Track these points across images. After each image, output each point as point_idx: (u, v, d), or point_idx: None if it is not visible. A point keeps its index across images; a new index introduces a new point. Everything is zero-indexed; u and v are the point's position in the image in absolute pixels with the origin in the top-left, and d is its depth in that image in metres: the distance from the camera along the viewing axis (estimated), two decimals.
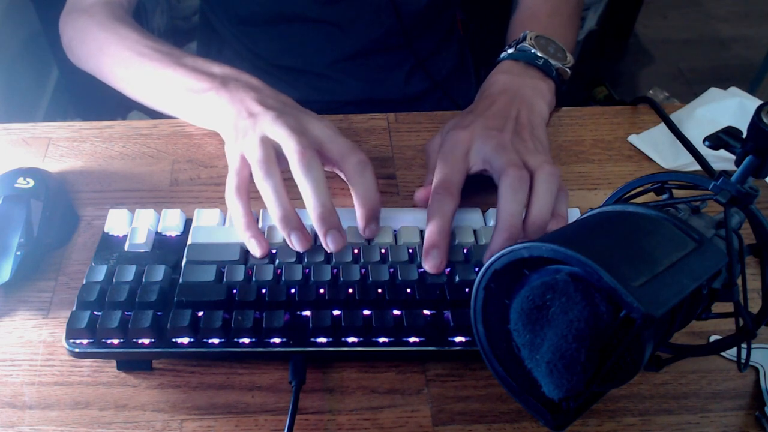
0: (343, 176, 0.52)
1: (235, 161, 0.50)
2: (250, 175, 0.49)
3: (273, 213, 0.48)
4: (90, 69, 0.67)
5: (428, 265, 0.48)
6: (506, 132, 0.54)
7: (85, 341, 0.44)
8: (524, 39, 0.64)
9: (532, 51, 0.62)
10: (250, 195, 0.49)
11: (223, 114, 0.54)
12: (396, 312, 0.46)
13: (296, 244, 0.48)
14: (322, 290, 0.46)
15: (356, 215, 0.50)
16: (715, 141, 0.43)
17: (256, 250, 0.48)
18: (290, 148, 0.48)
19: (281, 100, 0.54)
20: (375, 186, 0.50)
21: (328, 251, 0.48)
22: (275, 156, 0.49)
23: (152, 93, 0.61)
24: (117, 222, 0.51)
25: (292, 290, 0.46)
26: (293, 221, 0.48)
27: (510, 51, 0.64)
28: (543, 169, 0.51)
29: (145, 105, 0.63)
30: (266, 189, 0.48)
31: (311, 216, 0.48)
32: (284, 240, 0.50)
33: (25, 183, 0.53)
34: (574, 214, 0.54)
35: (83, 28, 0.67)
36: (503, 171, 0.50)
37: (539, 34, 0.64)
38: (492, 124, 0.55)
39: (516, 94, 0.59)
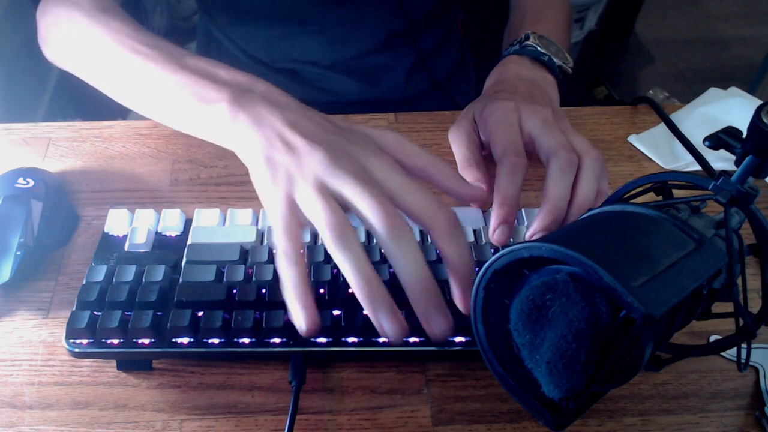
0: (425, 229, 0.43)
1: (279, 205, 0.42)
2: (301, 227, 0.42)
3: (355, 286, 0.40)
4: (70, 65, 0.57)
5: (496, 240, 0.49)
6: (548, 108, 0.55)
7: (85, 341, 0.44)
8: (527, 38, 0.65)
9: (537, 48, 0.64)
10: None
11: (244, 138, 0.44)
12: None
13: (387, 330, 0.40)
14: (322, 290, 0.46)
15: (450, 283, 0.42)
16: (715, 141, 0.43)
17: (303, 324, 0.40)
18: (370, 210, 0.40)
19: (313, 119, 0.45)
20: (469, 250, 0.43)
21: (433, 337, 0.41)
22: (346, 216, 0.40)
23: (146, 98, 0.51)
24: (117, 222, 0.51)
25: None
26: (381, 296, 0.40)
27: (515, 47, 0.65)
28: (590, 154, 0.52)
29: (137, 112, 0.53)
30: (344, 263, 0.39)
31: (408, 292, 0.41)
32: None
33: (25, 183, 0.53)
34: None
35: (64, 17, 0.57)
36: (554, 152, 0.51)
37: (541, 35, 0.66)
38: (530, 99, 0.56)
39: (532, 82, 0.61)
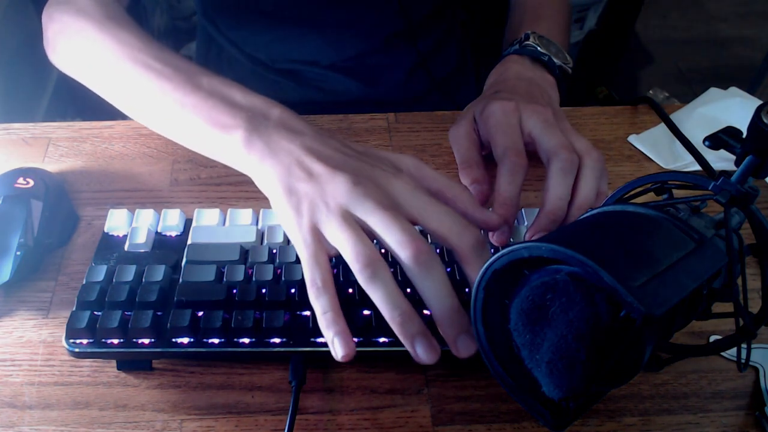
0: (450, 248, 0.43)
1: (305, 236, 0.42)
2: (330, 257, 0.42)
3: (388, 318, 0.40)
4: (77, 74, 0.56)
5: (496, 240, 0.49)
6: (549, 108, 0.56)
7: (85, 341, 0.44)
8: (527, 38, 0.65)
9: (537, 48, 0.64)
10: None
11: (262, 168, 0.44)
12: None
13: (424, 357, 0.40)
14: None
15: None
16: (715, 141, 0.43)
17: (338, 351, 0.40)
18: (397, 240, 0.40)
19: (330, 144, 0.45)
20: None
21: (460, 357, 0.41)
22: (374, 247, 0.40)
23: (158, 116, 0.51)
24: (117, 222, 0.51)
25: (292, 290, 0.46)
26: (415, 325, 0.40)
27: (515, 47, 0.66)
28: (590, 154, 0.52)
29: (148, 127, 0.53)
30: (376, 296, 0.40)
31: (437, 321, 0.41)
32: (284, 239, 0.50)
33: (25, 183, 0.53)
34: None
35: (72, 25, 0.56)
36: (555, 153, 0.51)
37: (541, 35, 0.66)
38: (530, 99, 0.57)
39: (531, 82, 0.61)
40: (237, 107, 0.46)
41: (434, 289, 0.40)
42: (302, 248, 0.42)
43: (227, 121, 0.46)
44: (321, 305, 0.40)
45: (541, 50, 0.64)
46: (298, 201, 0.42)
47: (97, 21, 0.54)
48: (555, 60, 0.64)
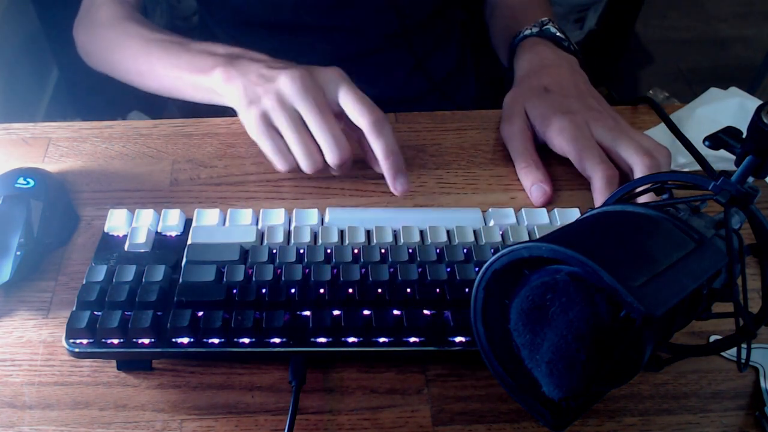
0: (363, 131, 0.54)
1: (256, 121, 0.54)
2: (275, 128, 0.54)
3: (267, 150, 0.54)
4: (105, 69, 0.70)
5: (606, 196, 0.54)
6: (605, 113, 0.60)
7: (85, 341, 0.44)
8: (545, 23, 0.68)
9: (557, 34, 0.67)
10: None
11: (233, 87, 0.55)
12: (396, 312, 0.46)
13: (278, 164, 0.54)
14: (322, 290, 0.46)
15: (384, 172, 0.54)
16: (715, 141, 0.43)
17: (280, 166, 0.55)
18: (306, 108, 0.52)
19: (285, 62, 0.57)
20: (394, 140, 0.54)
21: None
22: (295, 110, 0.53)
23: (163, 80, 0.62)
24: (117, 222, 0.51)
25: (292, 290, 0.46)
26: (289, 157, 0.53)
27: (534, 30, 0.68)
28: (661, 152, 0.56)
29: (160, 94, 0.65)
30: (282, 123, 0.53)
31: (332, 162, 0.53)
32: (284, 239, 0.50)
33: (25, 183, 0.53)
34: (574, 214, 0.54)
35: (92, 30, 0.70)
36: (636, 159, 0.55)
37: (554, 21, 0.69)
38: (587, 105, 0.60)
39: (570, 70, 0.64)
40: (217, 55, 0.58)
41: (327, 134, 0.52)
42: (254, 130, 0.54)
43: (209, 64, 0.57)
44: (267, 138, 0.54)
45: (561, 35, 0.66)
46: (251, 99, 0.54)
47: (112, 24, 0.68)
48: (573, 45, 0.66)
